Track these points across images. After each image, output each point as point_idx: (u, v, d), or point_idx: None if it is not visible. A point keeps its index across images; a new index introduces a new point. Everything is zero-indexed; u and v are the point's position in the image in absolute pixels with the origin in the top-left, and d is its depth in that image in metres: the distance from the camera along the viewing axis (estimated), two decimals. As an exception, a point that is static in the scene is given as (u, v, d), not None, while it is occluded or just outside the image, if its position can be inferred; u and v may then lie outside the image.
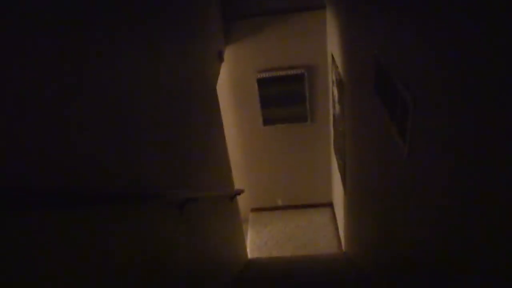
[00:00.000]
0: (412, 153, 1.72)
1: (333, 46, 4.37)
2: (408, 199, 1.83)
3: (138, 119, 1.64)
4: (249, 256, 5.69)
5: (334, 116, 4.91)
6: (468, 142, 1.15)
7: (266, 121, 5.50)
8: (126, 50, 1.59)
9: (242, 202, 6.16)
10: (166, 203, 1.87)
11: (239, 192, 4.12)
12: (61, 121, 1.08)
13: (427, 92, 1.47)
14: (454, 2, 1.17)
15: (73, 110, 1.14)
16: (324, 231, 5.97)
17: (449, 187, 1.33)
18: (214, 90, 3.77)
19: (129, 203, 1.37)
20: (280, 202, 6.41)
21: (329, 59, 4.85)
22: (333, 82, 4.65)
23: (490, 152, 1.03)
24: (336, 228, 5.94)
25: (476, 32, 1.06)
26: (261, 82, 5.17)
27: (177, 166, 2.17)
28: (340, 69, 3.93)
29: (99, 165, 1.26)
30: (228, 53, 5.00)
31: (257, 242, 5.95)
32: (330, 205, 6.35)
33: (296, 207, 6.40)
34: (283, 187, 6.23)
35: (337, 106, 4.43)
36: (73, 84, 1.16)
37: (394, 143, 2.02)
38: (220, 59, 4.36)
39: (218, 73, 4.16)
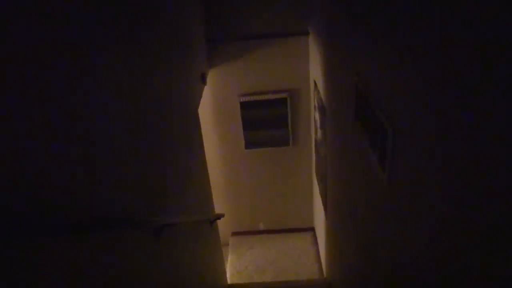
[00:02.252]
0: (392, 181, 1.72)
1: (315, 71, 4.43)
2: (389, 225, 1.82)
3: (113, 141, 1.60)
4: (229, 281, 5.58)
5: (316, 140, 4.94)
6: (447, 171, 1.15)
7: (248, 145, 5.49)
8: (103, 76, 1.57)
9: (223, 225, 6.07)
10: (142, 229, 1.82)
11: (219, 216, 4.06)
12: (29, 144, 1.04)
13: (407, 121, 1.48)
14: (433, 32, 1.19)
15: (38, 125, 1.10)
16: (306, 256, 5.91)
17: (428, 215, 1.32)
18: (196, 113, 3.75)
19: (102, 230, 1.32)
20: (261, 226, 6.34)
21: (312, 84, 4.90)
22: (315, 107, 4.69)
23: (468, 182, 1.03)
24: (318, 253, 5.89)
25: (456, 63, 1.07)
26: (243, 106, 5.18)
27: (155, 190, 2.13)
28: (322, 95, 3.97)
29: (67, 190, 1.21)
30: (212, 76, 5.01)
31: (238, 266, 5.84)
32: (311, 229, 6.31)
33: (277, 231, 6.34)
34: (264, 211, 6.18)
35: (319, 131, 4.45)
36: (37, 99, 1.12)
37: (374, 170, 2.02)
38: (203, 82, 4.36)
39: (201, 96, 4.15)
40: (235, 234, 6.37)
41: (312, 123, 5.21)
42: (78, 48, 1.36)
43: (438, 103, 1.18)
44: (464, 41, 1.00)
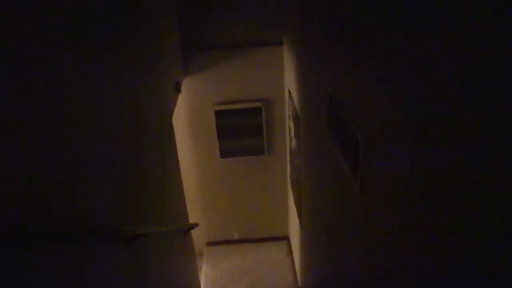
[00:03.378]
0: (363, 190, 1.75)
1: (289, 81, 4.47)
2: (362, 234, 1.84)
3: (83, 150, 1.57)
4: (203, 292, 5.51)
5: (290, 150, 4.97)
6: (417, 180, 1.18)
7: (223, 154, 5.47)
8: (75, 82, 1.54)
9: (197, 235, 6.01)
10: (113, 239, 1.78)
11: (193, 226, 4.02)
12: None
13: (378, 131, 1.51)
14: (404, 42, 1.22)
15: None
16: (281, 265, 5.90)
17: (400, 223, 1.35)
18: (170, 121, 3.72)
19: (68, 241, 1.28)
20: (236, 236, 6.31)
21: (286, 94, 4.94)
22: (289, 116, 4.73)
23: (439, 189, 1.06)
24: (293, 262, 5.89)
25: (426, 75, 1.10)
26: (219, 114, 5.17)
27: (127, 200, 2.09)
28: (296, 104, 4.01)
29: (36, 199, 1.18)
30: (186, 85, 4.99)
31: (212, 277, 5.78)
32: (286, 238, 6.32)
33: (252, 240, 6.32)
34: (239, 220, 6.16)
35: (294, 140, 4.49)
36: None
37: (346, 178, 2.04)
38: (178, 90, 4.33)
39: (175, 105, 4.12)
40: (209, 243, 6.31)
41: (287, 132, 5.25)
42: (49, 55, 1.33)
43: (408, 116, 1.21)
44: (435, 53, 1.03)
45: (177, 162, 3.96)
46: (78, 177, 1.48)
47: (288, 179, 5.56)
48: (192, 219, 5.69)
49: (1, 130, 1.04)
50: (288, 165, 5.44)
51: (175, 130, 4.01)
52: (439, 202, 1.04)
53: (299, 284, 5.29)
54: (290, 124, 4.76)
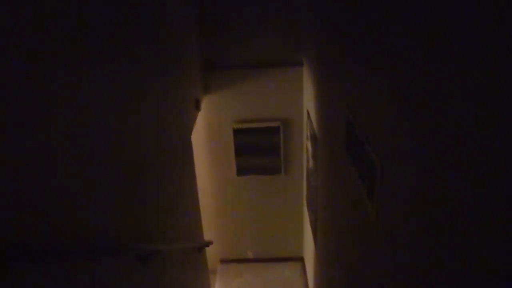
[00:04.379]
0: (379, 214, 1.73)
1: (308, 102, 4.48)
2: (376, 258, 1.82)
3: (100, 167, 1.60)
4: (216, 310, 5.46)
5: (307, 170, 4.95)
6: (434, 206, 1.17)
7: (240, 172, 5.48)
8: (90, 100, 1.58)
9: (211, 251, 5.99)
10: (128, 256, 1.80)
11: (208, 244, 4.02)
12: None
13: (395, 156, 1.50)
14: (426, 72, 1.22)
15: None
16: (294, 286, 5.82)
17: (414, 248, 1.33)
18: (189, 138, 3.76)
19: (83, 259, 1.30)
20: (250, 254, 6.26)
21: (305, 114, 4.95)
22: (307, 136, 4.73)
23: (457, 217, 1.04)
24: (306, 284, 5.81)
25: (444, 105, 1.10)
26: (237, 133, 5.21)
27: (143, 217, 2.11)
28: (315, 125, 4.01)
29: (50, 216, 1.21)
30: (206, 102, 5.05)
31: (225, 295, 5.74)
32: (301, 259, 6.25)
33: (266, 260, 6.26)
34: (254, 239, 6.12)
35: (311, 161, 4.48)
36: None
37: (363, 203, 2.03)
38: (197, 108, 4.39)
39: (194, 122, 4.18)
40: (223, 261, 6.29)
41: (305, 153, 5.24)
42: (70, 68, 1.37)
43: (423, 145, 1.20)
44: (456, 84, 1.04)
45: (195, 179, 3.99)
46: (93, 195, 1.51)
47: (304, 199, 5.53)
48: (206, 235, 5.69)
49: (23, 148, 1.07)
50: (305, 185, 5.41)
51: (193, 147, 4.05)
52: (456, 229, 1.03)
53: (313, 307, 5.20)
54: (307, 144, 4.75)
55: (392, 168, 1.53)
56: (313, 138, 4.10)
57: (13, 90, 1.03)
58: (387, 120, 1.58)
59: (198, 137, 5.25)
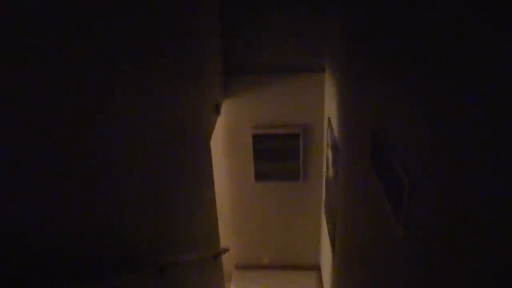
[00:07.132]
0: (405, 232, 1.66)
1: (330, 109, 4.41)
2: (400, 278, 1.75)
3: (122, 177, 1.58)
4: (230, 316, 5.42)
5: (327, 178, 4.87)
6: (463, 227, 1.10)
7: (258, 177, 5.44)
8: (114, 108, 1.56)
9: (227, 256, 5.96)
10: (145, 268, 1.77)
11: (224, 251, 3.98)
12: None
13: (425, 174, 1.43)
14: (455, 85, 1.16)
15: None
16: (310, 295, 5.74)
17: (441, 271, 1.26)
18: (208, 143, 3.73)
19: (102, 272, 1.27)
20: (266, 261, 6.20)
21: (325, 121, 4.88)
22: (328, 144, 4.65)
23: (482, 239, 0.98)
24: (322, 293, 5.72)
25: (478, 113, 1.03)
26: (256, 138, 5.17)
27: (162, 225, 2.08)
28: (336, 133, 3.94)
29: (82, 234, 1.18)
30: (226, 107, 5.03)
31: (239, 302, 5.69)
32: (317, 268, 6.16)
33: (282, 267, 6.20)
34: (270, 245, 6.06)
35: (331, 169, 4.40)
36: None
37: (388, 220, 1.96)
38: (217, 112, 4.36)
39: (214, 126, 4.15)
40: (239, 267, 6.24)
41: (324, 160, 5.16)
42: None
43: (452, 158, 1.14)
44: (489, 100, 0.97)
45: (213, 184, 3.96)
46: (116, 206, 1.49)
47: (323, 207, 5.45)
48: (223, 241, 5.66)
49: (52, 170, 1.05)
50: (324, 193, 5.33)
51: (212, 152, 4.02)
52: (485, 251, 0.96)
53: (328, 317, 5.11)
54: (328, 152, 4.68)
55: (421, 186, 1.46)
56: (334, 146, 4.03)
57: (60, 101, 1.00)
58: (415, 135, 1.51)
59: (217, 142, 5.22)
